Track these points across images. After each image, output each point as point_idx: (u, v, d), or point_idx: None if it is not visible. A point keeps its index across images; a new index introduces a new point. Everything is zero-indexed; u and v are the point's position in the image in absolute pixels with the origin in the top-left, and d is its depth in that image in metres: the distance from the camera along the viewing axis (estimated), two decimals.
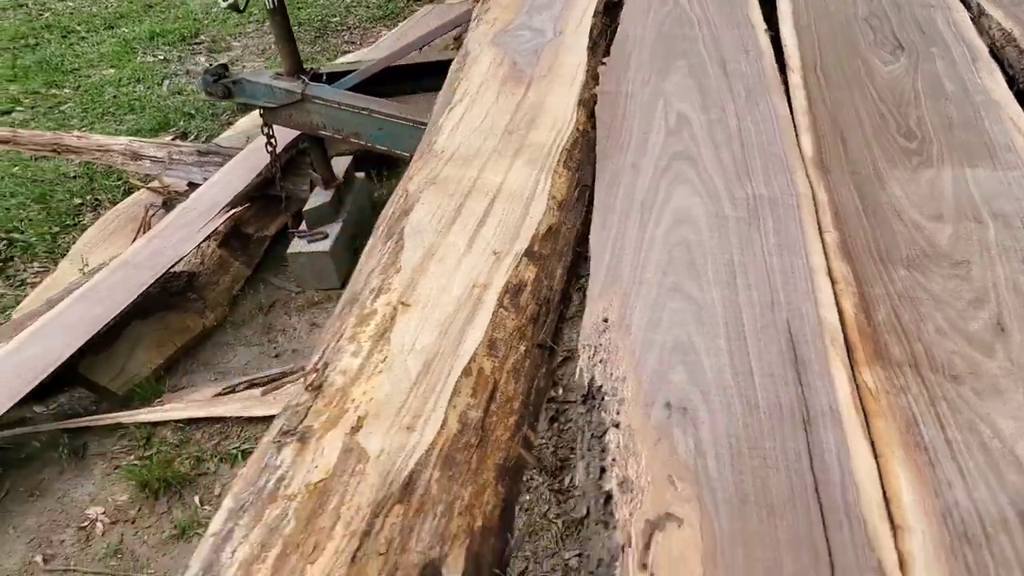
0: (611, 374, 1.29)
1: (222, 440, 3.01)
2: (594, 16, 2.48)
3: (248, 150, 4.06)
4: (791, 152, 1.80)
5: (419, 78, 3.73)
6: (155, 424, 3.05)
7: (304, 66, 3.62)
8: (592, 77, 2.17)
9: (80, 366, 3.14)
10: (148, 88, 5.70)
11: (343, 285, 3.71)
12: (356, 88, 3.58)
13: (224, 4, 3.27)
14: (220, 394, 3.16)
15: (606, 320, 1.39)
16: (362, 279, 1.52)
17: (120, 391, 3.16)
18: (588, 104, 2.06)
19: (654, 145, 1.85)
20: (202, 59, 6.15)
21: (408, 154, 3.40)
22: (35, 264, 4.04)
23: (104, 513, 2.78)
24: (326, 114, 3.52)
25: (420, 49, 3.66)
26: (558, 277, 1.56)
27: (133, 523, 2.74)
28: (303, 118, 3.59)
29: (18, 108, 5.59)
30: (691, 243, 1.54)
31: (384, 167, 4.46)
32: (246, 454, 2.93)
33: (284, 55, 3.56)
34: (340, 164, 4.02)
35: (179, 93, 5.59)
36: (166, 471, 2.84)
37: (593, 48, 2.34)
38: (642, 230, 1.58)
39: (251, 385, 3.21)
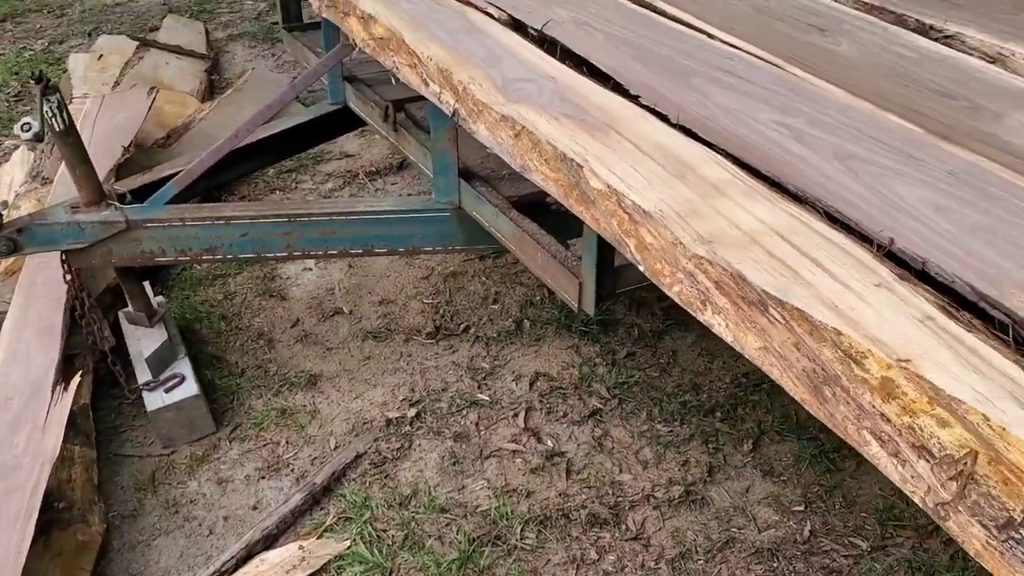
0: None
1: None
2: None
3: (19, 305, 3.21)
4: None
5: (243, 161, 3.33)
6: None
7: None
8: None
9: None
10: None
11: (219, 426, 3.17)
12: (178, 197, 3.06)
13: (25, 136, 2.57)
14: None
15: None
16: None
17: None
18: None
19: None
20: None
21: (284, 254, 3.04)
22: None
23: None
24: (165, 237, 2.95)
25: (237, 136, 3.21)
26: None
27: None
28: (129, 249, 2.96)
29: None
30: None
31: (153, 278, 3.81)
32: None
33: (82, 182, 2.90)
34: None
35: None
36: None
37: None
38: None
39: None
